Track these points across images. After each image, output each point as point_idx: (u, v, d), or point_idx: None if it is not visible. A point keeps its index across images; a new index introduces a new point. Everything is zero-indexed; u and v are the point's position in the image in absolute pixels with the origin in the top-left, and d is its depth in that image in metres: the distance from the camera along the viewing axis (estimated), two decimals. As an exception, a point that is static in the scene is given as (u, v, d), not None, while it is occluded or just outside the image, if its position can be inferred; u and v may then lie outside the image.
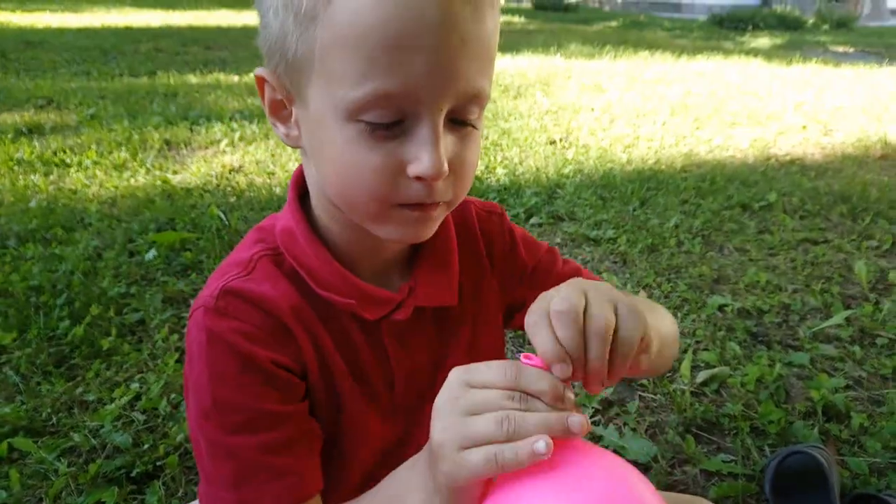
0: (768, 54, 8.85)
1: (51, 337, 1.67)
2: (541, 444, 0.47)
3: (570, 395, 0.50)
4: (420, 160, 0.56)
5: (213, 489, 0.63)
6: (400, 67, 0.53)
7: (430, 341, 0.76)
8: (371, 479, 0.76)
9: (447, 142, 0.58)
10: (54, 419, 1.39)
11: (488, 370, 0.51)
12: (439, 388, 0.76)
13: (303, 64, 0.58)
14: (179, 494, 1.21)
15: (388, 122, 0.56)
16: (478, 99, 0.59)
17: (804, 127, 4.37)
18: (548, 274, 0.82)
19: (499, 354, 0.87)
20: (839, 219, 2.72)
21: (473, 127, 0.61)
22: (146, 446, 1.31)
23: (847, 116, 4.72)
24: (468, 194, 0.73)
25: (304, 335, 0.67)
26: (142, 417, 1.39)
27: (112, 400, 1.43)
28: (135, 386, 1.48)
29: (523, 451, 0.47)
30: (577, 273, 0.83)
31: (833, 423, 1.46)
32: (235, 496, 0.61)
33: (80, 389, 1.48)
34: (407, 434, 0.78)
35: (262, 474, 0.62)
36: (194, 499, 1.16)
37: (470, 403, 0.50)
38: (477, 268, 0.78)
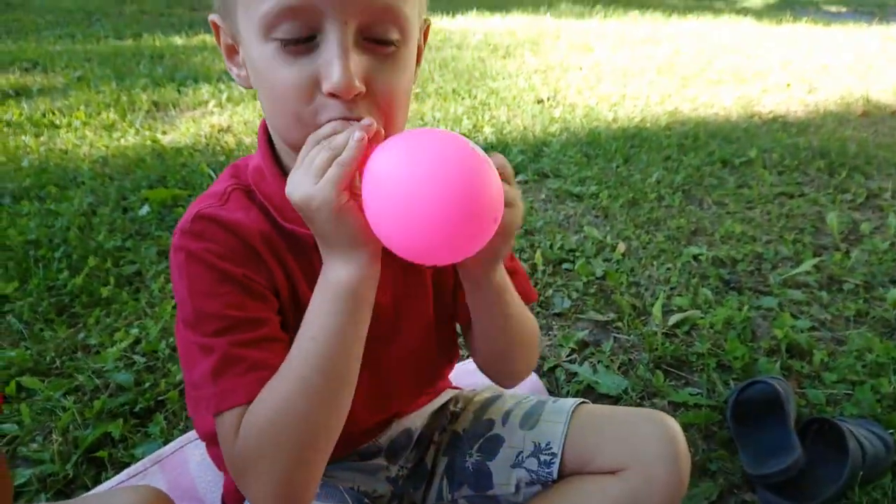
0: (759, 14, 8.81)
1: (51, 287, 1.73)
2: (357, 133, 0.58)
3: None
4: (329, 75, 0.59)
5: (196, 391, 0.69)
6: None
7: (394, 280, 0.80)
8: None
9: (361, 60, 0.61)
10: (58, 362, 1.46)
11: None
12: (406, 321, 0.83)
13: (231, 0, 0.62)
14: (181, 427, 1.29)
15: (298, 38, 0.59)
16: (391, 16, 0.60)
17: (789, 85, 4.41)
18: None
19: (449, 298, 0.91)
20: (816, 174, 2.79)
21: (394, 47, 0.62)
22: (147, 384, 1.38)
23: (832, 75, 4.76)
24: None
25: (275, 262, 0.73)
26: (142, 359, 1.46)
27: (113, 343, 1.50)
28: (134, 331, 1.55)
29: (352, 144, 0.58)
30: (517, 280, 0.85)
31: (796, 359, 1.55)
32: (214, 389, 0.66)
33: (81, 335, 1.55)
34: (375, 371, 0.81)
35: (238, 366, 0.67)
36: (193, 430, 1.25)
37: (302, 169, 0.61)
38: None
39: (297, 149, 0.64)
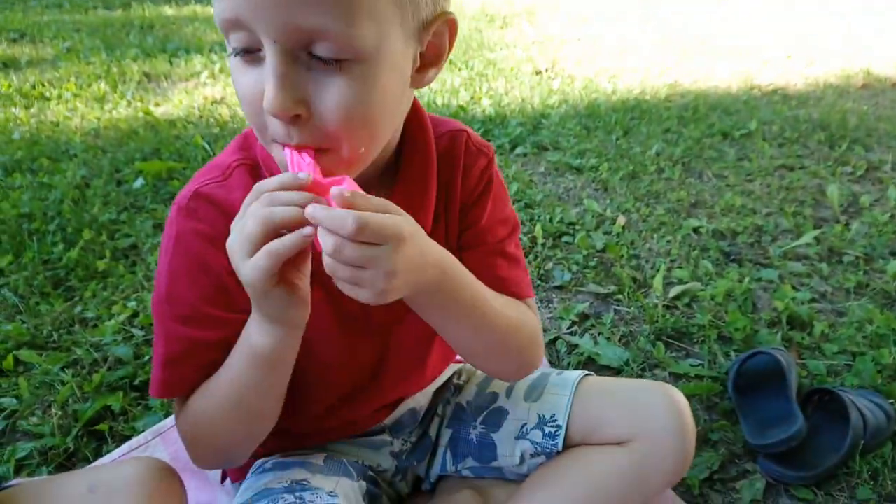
0: (759, -15, 8.68)
1: (46, 261, 1.71)
2: (304, 230, 0.53)
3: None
4: (265, 94, 0.55)
5: (153, 361, 0.73)
6: None
7: None
8: (348, 401, 0.83)
9: (303, 79, 0.56)
10: (55, 336, 1.45)
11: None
12: (406, 323, 0.81)
13: None
14: (181, 400, 1.28)
15: (248, 48, 0.56)
16: (318, 35, 0.54)
17: (789, 57, 4.37)
18: (486, 246, 0.81)
19: None
20: (817, 146, 2.77)
21: (336, 64, 0.56)
22: (147, 357, 1.37)
23: (832, 47, 4.71)
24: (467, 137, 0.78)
25: None
26: (140, 333, 1.45)
27: (111, 317, 1.49)
28: (132, 304, 1.53)
29: (294, 239, 0.54)
30: (510, 271, 0.82)
31: (796, 331, 1.55)
32: (161, 374, 0.72)
33: (78, 308, 1.54)
34: (383, 357, 0.82)
35: (189, 362, 0.71)
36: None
37: (239, 227, 0.57)
38: (451, 196, 0.80)
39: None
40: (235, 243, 0.57)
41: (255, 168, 0.72)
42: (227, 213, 0.68)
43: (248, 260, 0.56)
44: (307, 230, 0.54)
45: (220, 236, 0.66)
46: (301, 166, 0.58)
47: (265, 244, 0.54)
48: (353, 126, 0.59)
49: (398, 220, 0.57)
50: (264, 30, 0.54)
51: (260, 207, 0.55)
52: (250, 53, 0.57)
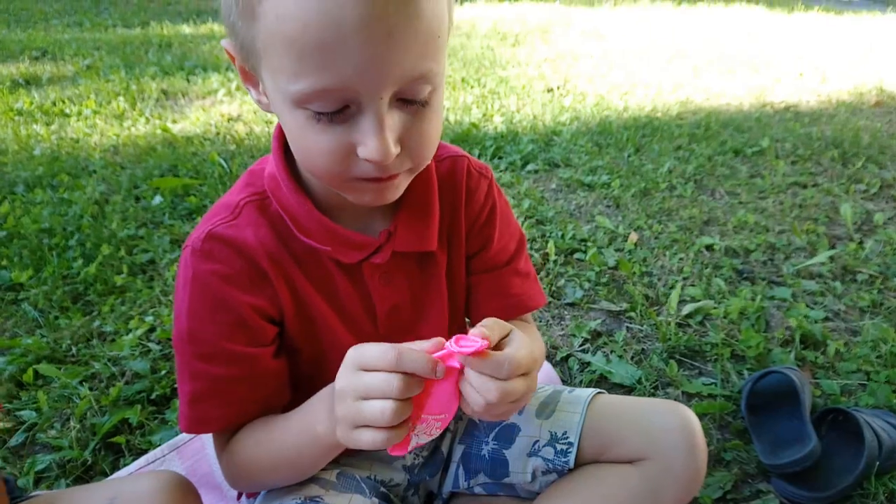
0: (770, 2, 8.70)
1: (65, 275, 1.74)
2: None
3: (441, 369, 0.59)
4: (366, 145, 0.58)
5: (179, 397, 0.75)
6: (332, 66, 0.54)
7: (410, 281, 0.81)
8: None
9: (396, 120, 0.60)
10: (74, 350, 1.48)
11: (374, 354, 0.59)
12: (424, 322, 0.84)
13: (252, 51, 0.60)
14: (196, 414, 1.30)
15: (333, 111, 0.58)
16: (424, 80, 0.58)
17: (801, 74, 4.37)
18: (499, 268, 0.87)
19: (462, 299, 0.92)
20: (830, 163, 2.76)
21: (426, 103, 0.61)
22: (163, 372, 1.39)
23: (844, 64, 4.71)
24: (467, 149, 0.80)
25: (281, 280, 0.74)
26: (157, 347, 1.47)
27: (128, 331, 1.51)
28: (149, 319, 1.56)
29: (394, 436, 0.59)
30: (523, 287, 0.88)
31: (810, 350, 1.54)
32: (190, 412, 0.73)
33: (96, 322, 1.56)
34: None
35: (215, 399, 0.73)
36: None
37: (362, 388, 0.59)
38: (455, 219, 0.83)
39: (324, 182, 0.67)
40: (347, 405, 0.60)
41: (264, 202, 0.74)
42: (241, 251, 0.72)
43: (352, 430, 0.61)
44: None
45: (236, 275, 0.71)
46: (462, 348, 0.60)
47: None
48: (433, 146, 0.66)
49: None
50: (374, 90, 0.56)
51: (388, 388, 0.58)
52: (334, 115, 0.58)
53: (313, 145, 0.60)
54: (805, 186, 2.54)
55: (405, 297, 0.81)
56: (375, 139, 0.58)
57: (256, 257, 0.72)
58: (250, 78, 0.67)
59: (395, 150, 0.59)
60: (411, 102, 0.60)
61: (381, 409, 0.58)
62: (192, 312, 0.71)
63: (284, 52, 0.55)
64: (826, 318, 1.68)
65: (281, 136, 0.75)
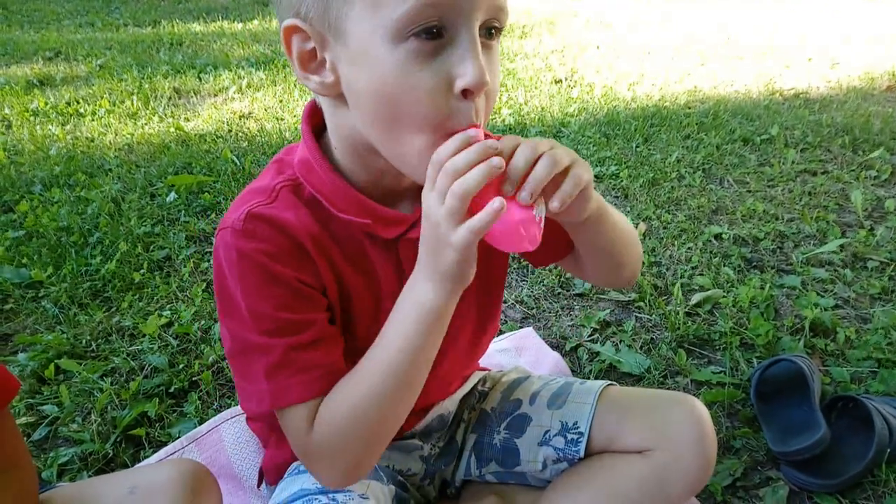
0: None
1: (84, 272, 1.78)
2: (496, 203, 0.60)
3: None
4: (465, 71, 0.61)
5: (249, 384, 0.73)
6: None
7: None
8: None
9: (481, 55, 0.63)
10: (94, 345, 1.51)
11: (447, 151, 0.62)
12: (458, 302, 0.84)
13: (334, 2, 0.61)
14: (215, 406, 1.33)
15: (434, 34, 0.60)
16: (504, 12, 0.64)
17: (810, 60, 4.33)
18: None
19: (503, 274, 0.95)
20: (840, 150, 2.75)
21: (492, 46, 0.65)
22: (181, 366, 1.43)
23: (855, 49, 4.66)
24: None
25: (323, 260, 0.74)
26: (175, 342, 1.50)
27: (147, 326, 1.54)
28: (167, 314, 1.59)
29: (487, 214, 0.60)
30: None
31: (819, 337, 1.55)
32: (268, 386, 0.71)
33: (116, 318, 1.60)
34: None
35: (291, 367, 0.71)
36: (227, 409, 1.29)
37: (450, 168, 0.61)
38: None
39: (402, 157, 0.67)
40: (441, 217, 0.62)
41: (298, 187, 0.75)
42: (283, 229, 0.71)
43: (457, 230, 0.61)
44: (497, 204, 0.60)
45: (281, 253, 0.71)
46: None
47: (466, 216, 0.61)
48: (495, 101, 0.70)
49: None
50: (469, 13, 0.60)
51: (449, 182, 0.61)
52: (434, 40, 0.60)
53: (415, 86, 0.61)
54: (815, 174, 2.53)
55: None
56: (472, 62, 0.61)
57: (299, 236, 0.72)
58: (310, 61, 0.67)
59: (488, 78, 0.62)
60: (490, 36, 0.64)
61: (479, 169, 0.60)
62: (245, 291, 0.70)
63: None
64: (836, 306, 1.68)
65: (310, 120, 0.76)
